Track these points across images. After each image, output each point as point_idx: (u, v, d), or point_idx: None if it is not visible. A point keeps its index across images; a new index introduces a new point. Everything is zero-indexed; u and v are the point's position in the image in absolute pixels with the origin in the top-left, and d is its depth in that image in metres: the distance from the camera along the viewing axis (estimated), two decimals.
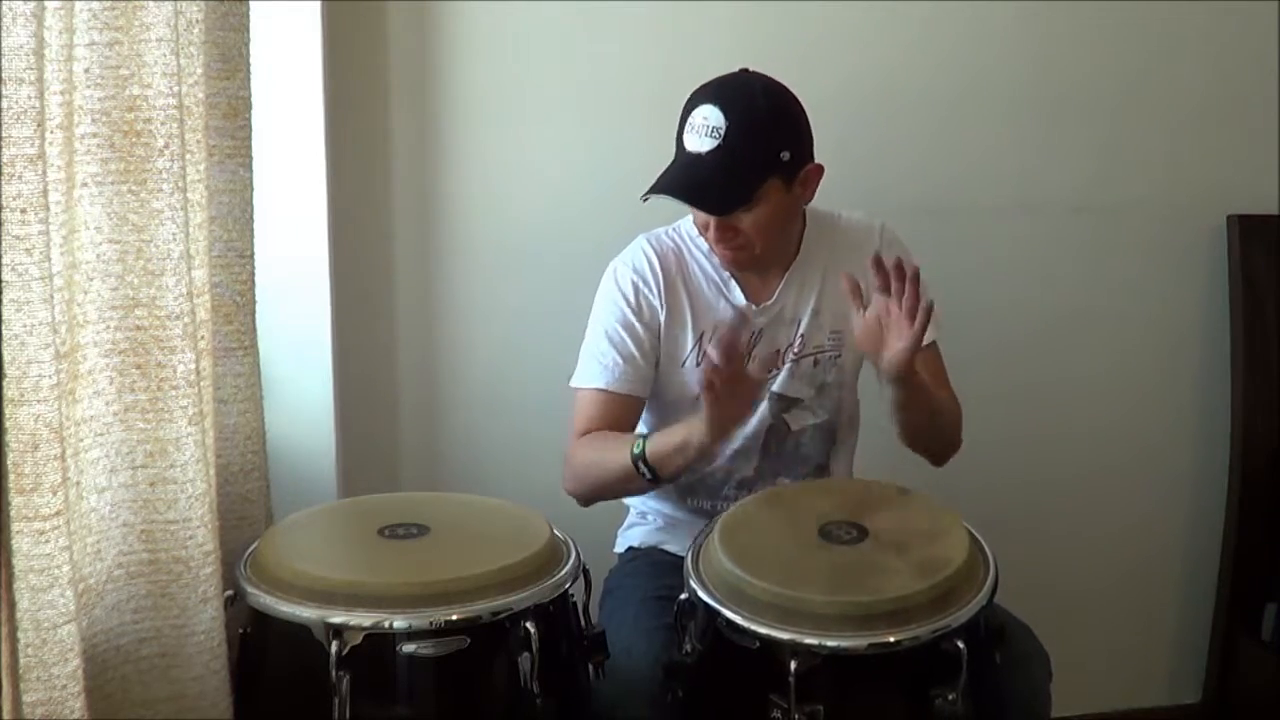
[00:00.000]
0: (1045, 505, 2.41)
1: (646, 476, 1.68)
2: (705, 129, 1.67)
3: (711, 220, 1.71)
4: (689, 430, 1.64)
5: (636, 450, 1.67)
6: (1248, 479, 2.39)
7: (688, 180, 1.68)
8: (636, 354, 1.79)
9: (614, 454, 1.70)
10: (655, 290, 1.81)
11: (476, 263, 2.17)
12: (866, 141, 2.21)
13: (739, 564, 1.45)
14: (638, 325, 1.80)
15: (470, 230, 2.17)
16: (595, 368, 1.79)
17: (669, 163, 1.73)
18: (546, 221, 2.17)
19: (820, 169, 1.76)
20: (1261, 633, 2.40)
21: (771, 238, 1.75)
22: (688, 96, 1.72)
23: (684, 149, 1.70)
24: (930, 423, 1.76)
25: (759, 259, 1.78)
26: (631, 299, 1.81)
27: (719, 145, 1.66)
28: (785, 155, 1.69)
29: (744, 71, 1.74)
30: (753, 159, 1.68)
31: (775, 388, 1.83)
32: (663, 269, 1.82)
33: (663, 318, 1.81)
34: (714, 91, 1.70)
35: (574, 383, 1.82)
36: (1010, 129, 2.29)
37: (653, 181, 1.70)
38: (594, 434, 1.77)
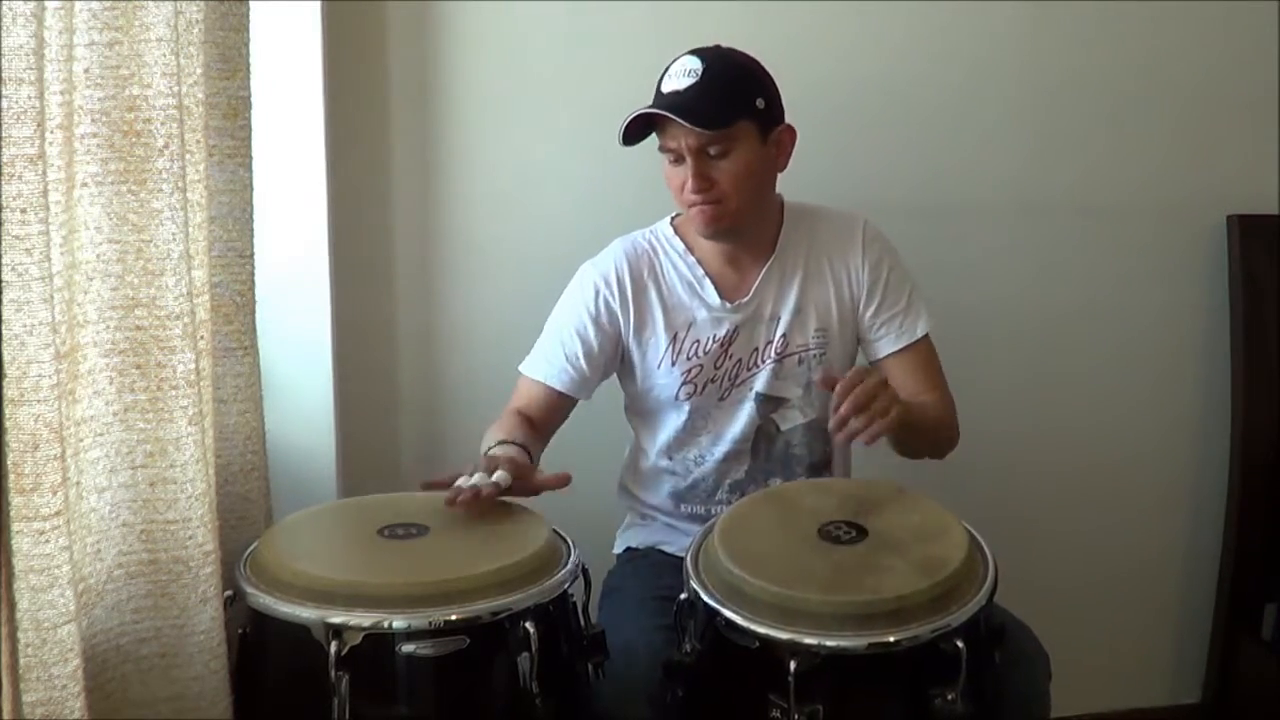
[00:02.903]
0: (1045, 505, 2.41)
1: None
2: (682, 72, 1.71)
3: (689, 170, 1.71)
4: (497, 462, 1.64)
5: (487, 448, 1.71)
6: (1248, 479, 2.39)
7: (667, 105, 1.70)
8: (582, 359, 1.83)
9: (489, 438, 1.76)
10: (618, 297, 1.83)
11: (476, 262, 2.18)
12: (865, 142, 2.22)
13: (738, 564, 1.45)
14: (592, 332, 1.83)
15: (470, 230, 2.17)
16: (540, 361, 1.85)
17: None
18: (546, 221, 2.17)
19: (793, 132, 1.79)
20: (1261, 633, 2.40)
21: (746, 195, 1.74)
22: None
23: (661, 93, 1.73)
24: (927, 444, 1.80)
25: (735, 221, 1.76)
26: (591, 306, 1.84)
27: (696, 83, 1.70)
28: (760, 102, 1.73)
29: (718, 46, 1.77)
30: (729, 94, 1.71)
31: (760, 388, 1.84)
32: (631, 275, 1.84)
33: (627, 324, 1.83)
34: (691, 50, 1.74)
35: (521, 366, 1.87)
36: (1010, 129, 2.29)
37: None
38: (509, 413, 1.82)
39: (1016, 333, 2.35)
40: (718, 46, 1.76)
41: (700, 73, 1.69)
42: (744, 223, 1.78)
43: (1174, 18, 2.29)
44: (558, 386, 1.83)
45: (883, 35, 2.21)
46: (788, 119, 1.79)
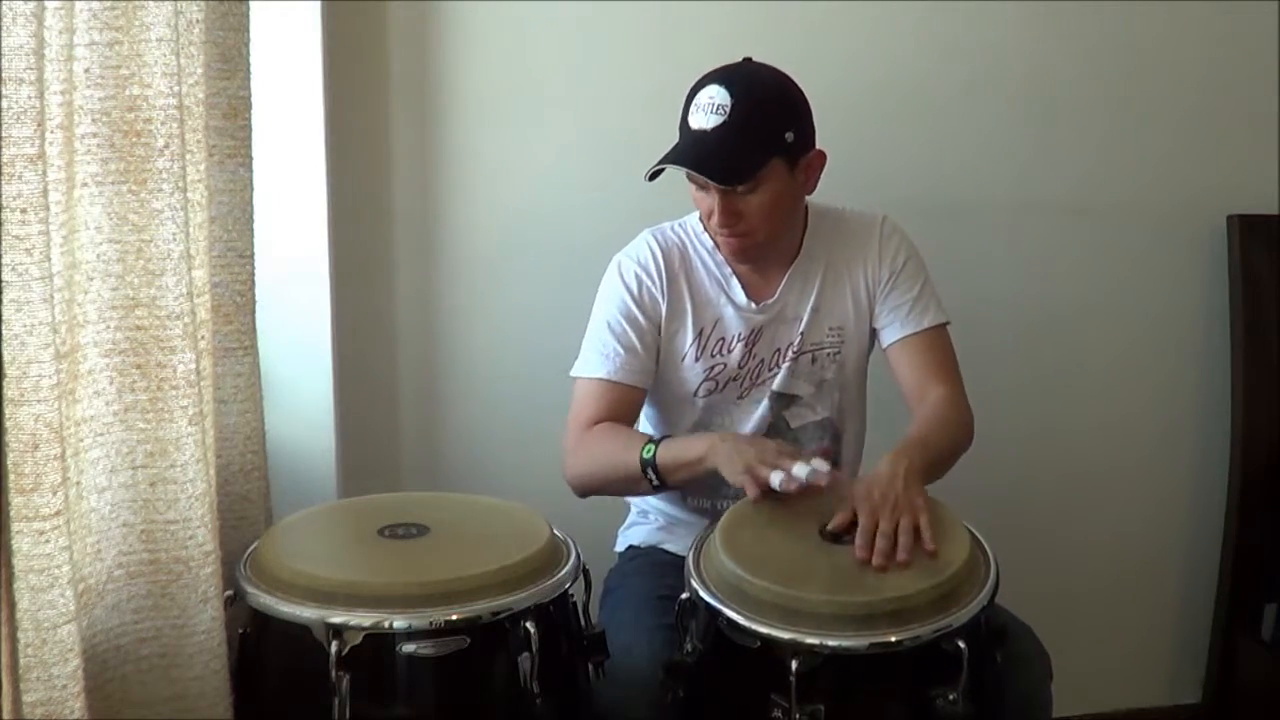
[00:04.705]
0: (1046, 505, 2.41)
1: (653, 482, 1.68)
2: (711, 107, 1.66)
3: (716, 205, 1.69)
4: (709, 450, 1.64)
5: (646, 455, 1.67)
6: (1248, 479, 2.39)
7: (694, 154, 1.67)
8: (638, 345, 1.79)
9: (624, 453, 1.70)
10: (658, 283, 1.81)
11: (476, 262, 2.17)
12: (866, 141, 2.22)
13: (740, 563, 1.45)
14: (640, 317, 1.80)
15: (470, 230, 2.17)
16: (596, 358, 1.80)
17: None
18: (546, 221, 2.17)
19: (823, 156, 1.76)
20: (1261, 633, 2.40)
21: (774, 226, 1.74)
22: (691, 85, 1.72)
23: (689, 128, 1.69)
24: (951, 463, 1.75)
25: (762, 249, 1.77)
26: (635, 290, 1.81)
27: (725, 121, 1.65)
28: (789, 136, 1.69)
29: (747, 60, 1.74)
30: (758, 136, 1.67)
31: (775, 386, 1.84)
32: (666, 263, 1.82)
33: (664, 311, 1.81)
34: (719, 75, 1.70)
35: (575, 372, 1.82)
36: (1010, 129, 2.29)
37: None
38: (604, 426, 1.76)
39: (1016, 332, 2.35)
40: (747, 63, 1.73)
41: (729, 109, 1.64)
42: (771, 249, 1.79)
43: (1175, 18, 2.30)
44: (622, 380, 1.78)
45: (883, 37, 2.21)
46: None
